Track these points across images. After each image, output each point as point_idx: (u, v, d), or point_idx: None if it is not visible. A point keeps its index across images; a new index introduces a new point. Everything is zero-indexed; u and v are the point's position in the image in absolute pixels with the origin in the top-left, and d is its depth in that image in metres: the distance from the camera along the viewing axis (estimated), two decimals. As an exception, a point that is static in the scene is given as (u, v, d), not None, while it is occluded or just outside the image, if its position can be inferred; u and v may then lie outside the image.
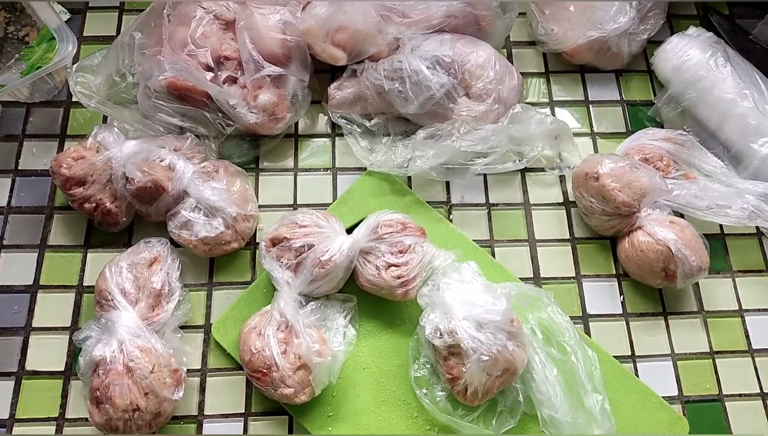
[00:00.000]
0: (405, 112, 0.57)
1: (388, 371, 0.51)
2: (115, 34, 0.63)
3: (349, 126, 0.59)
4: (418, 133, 0.56)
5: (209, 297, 0.54)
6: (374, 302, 0.52)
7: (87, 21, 0.64)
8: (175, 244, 0.53)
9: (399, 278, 0.49)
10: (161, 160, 0.52)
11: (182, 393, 0.47)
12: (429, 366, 0.50)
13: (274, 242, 0.50)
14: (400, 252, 0.50)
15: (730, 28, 0.65)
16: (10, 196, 0.56)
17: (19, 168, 0.57)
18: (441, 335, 0.47)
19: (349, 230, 0.52)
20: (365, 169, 0.58)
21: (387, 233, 0.50)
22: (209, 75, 0.54)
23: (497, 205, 0.58)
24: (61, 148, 0.58)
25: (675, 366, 0.53)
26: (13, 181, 0.57)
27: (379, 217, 0.51)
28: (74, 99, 0.60)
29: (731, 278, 0.57)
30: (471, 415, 0.48)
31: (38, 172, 0.57)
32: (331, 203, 0.57)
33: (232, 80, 0.56)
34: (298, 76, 0.56)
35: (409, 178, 0.59)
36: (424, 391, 0.49)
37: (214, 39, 0.55)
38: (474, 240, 0.56)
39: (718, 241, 0.58)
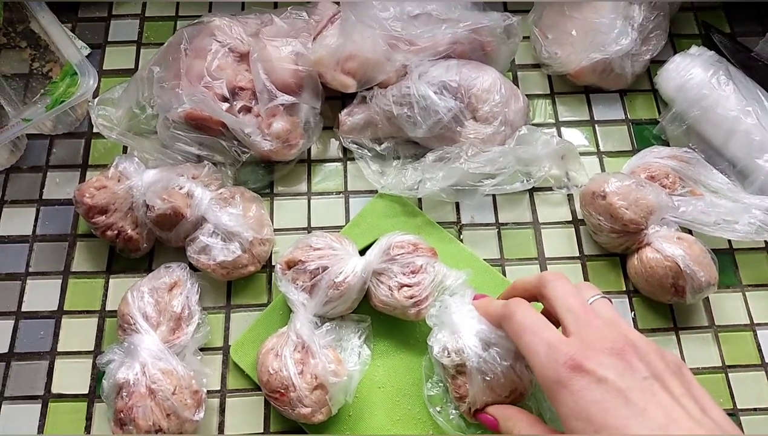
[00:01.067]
0: (414, 136, 0.59)
1: (402, 389, 0.52)
2: (133, 67, 0.66)
3: (360, 150, 0.61)
4: (427, 156, 0.58)
5: (227, 319, 0.55)
6: (387, 321, 0.53)
7: (106, 55, 0.66)
8: (194, 268, 0.54)
9: (411, 297, 0.50)
10: (180, 188, 0.53)
11: (203, 414, 0.48)
12: (442, 385, 0.51)
13: (290, 265, 0.52)
14: (412, 272, 0.51)
15: (732, 47, 0.66)
16: (35, 225, 0.58)
17: (44, 198, 0.60)
18: (449, 354, 0.48)
19: (362, 252, 0.53)
20: (376, 191, 0.60)
21: (399, 254, 0.51)
22: (225, 105, 0.56)
23: (507, 224, 0.59)
24: (83, 178, 0.60)
25: (687, 381, 0.53)
26: (38, 211, 0.59)
27: (391, 238, 0.52)
28: (95, 130, 0.62)
29: (741, 292, 0.57)
30: (484, 433, 0.49)
31: (61, 202, 0.59)
32: (343, 226, 0.59)
33: (247, 109, 0.58)
34: (310, 104, 0.58)
35: (420, 200, 0.60)
36: (438, 409, 0.50)
37: (229, 71, 0.57)
38: (485, 259, 0.57)
39: (727, 256, 0.59)
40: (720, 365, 0.54)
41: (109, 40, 0.67)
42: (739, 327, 0.56)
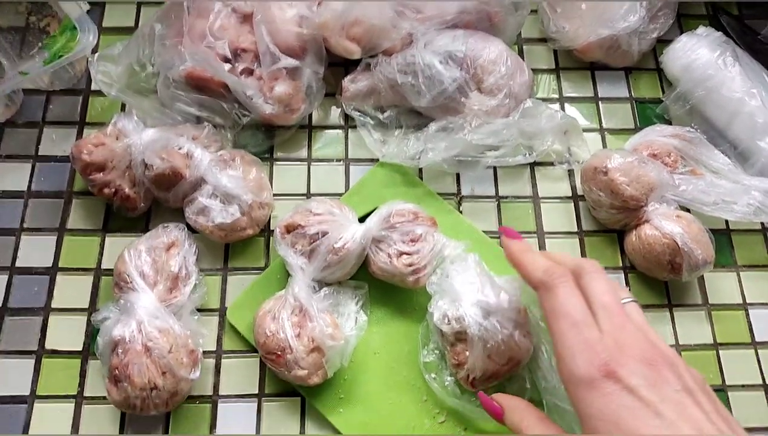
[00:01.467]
0: (417, 105, 0.59)
1: (398, 356, 0.52)
2: (133, 25, 0.64)
3: (362, 118, 0.60)
4: (430, 126, 0.57)
5: (224, 282, 0.55)
6: (385, 289, 0.54)
7: (106, 12, 0.65)
8: (191, 229, 0.54)
9: (410, 265, 0.50)
10: (179, 148, 0.53)
11: (199, 373, 0.48)
12: (438, 352, 0.51)
13: (289, 229, 0.51)
14: (412, 241, 0.51)
15: (739, 29, 0.66)
16: (30, 181, 0.58)
17: (39, 154, 0.59)
18: (449, 321, 0.48)
19: (362, 220, 0.53)
20: (377, 160, 0.59)
21: (399, 222, 0.51)
22: (227, 66, 0.55)
23: (507, 197, 0.59)
24: (80, 136, 0.60)
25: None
26: (33, 167, 0.58)
27: (392, 206, 0.52)
28: (93, 87, 0.62)
29: (736, 272, 0.58)
30: (478, 399, 0.50)
31: (58, 158, 0.59)
32: (343, 193, 0.58)
33: (249, 72, 0.57)
34: (313, 69, 0.58)
35: (420, 170, 0.60)
36: (433, 376, 0.50)
37: (232, 31, 0.56)
38: (484, 231, 0.57)
39: (723, 236, 0.59)
40: (711, 342, 0.55)
41: (109, -4, 0.66)
42: (732, 306, 0.56)
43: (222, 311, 0.54)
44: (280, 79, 0.56)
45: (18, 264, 0.55)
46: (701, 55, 0.61)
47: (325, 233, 0.50)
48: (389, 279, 0.52)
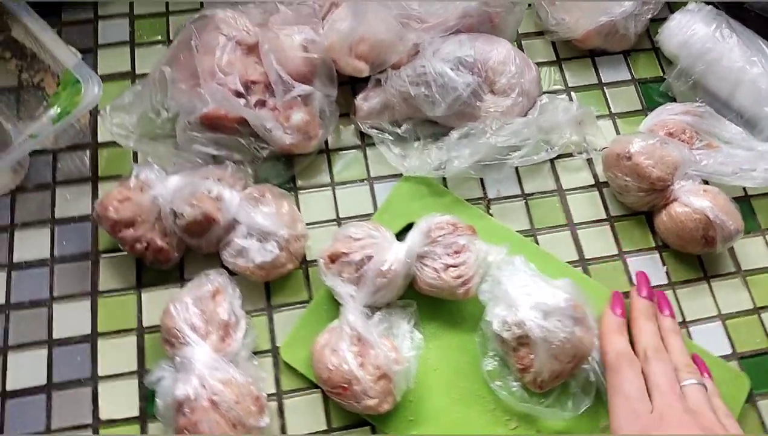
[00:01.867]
0: (432, 115, 0.58)
1: (457, 369, 0.52)
2: (130, 69, 0.62)
3: (380, 135, 0.60)
4: (451, 134, 0.58)
5: (270, 321, 0.54)
6: (432, 303, 0.53)
7: (99, 59, 0.63)
8: (230, 273, 0.53)
9: (459, 277, 0.50)
10: (209, 192, 0.52)
11: (268, 419, 0.48)
12: (498, 359, 0.52)
13: (333, 259, 0.51)
14: (456, 252, 0.51)
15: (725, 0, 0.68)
16: (52, 247, 0.55)
17: (56, 217, 0.57)
18: (509, 327, 0.48)
19: (397, 237, 0.53)
20: (400, 175, 0.59)
21: (440, 236, 0.51)
22: (242, 101, 0.54)
23: (532, 194, 0.60)
24: (95, 191, 0.58)
25: (724, 326, 0.56)
26: (53, 231, 0.56)
27: (430, 221, 0.52)
28: (101, 140, 0.60)
29: (762, 236, 0.60)
30: (546, 400, 0.50)
31: (76, 219, 0.57)
32: (372, 213, 0.58)
33: (262, 104, 0.56)
34: (324, 92, 0.57)
35: (444, 178, 0.60)
36: (498, 383, 0.50)
37: (239, 65, 0.55)
38: (518, 231, 0.57)
39: (744, 203, 0.61)
40: (752, 307, 0.57)
41: (99, 43, 0.63)
42: (765, 269, 0.58)
43: (274, 351, 0.53)
44: (295, 107, 0.55)
45: (55, 335, 0.53)
46: (697, 30, 0.62)
47: (370, 257, 0.50)
48: (438, 294, 0.52)
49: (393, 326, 0.51)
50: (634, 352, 0.49)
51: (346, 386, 0.47)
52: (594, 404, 0.49)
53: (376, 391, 0.47)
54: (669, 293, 0.56)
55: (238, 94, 0.54)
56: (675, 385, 0.46)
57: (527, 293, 0.48)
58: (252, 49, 0.56)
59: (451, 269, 0.51)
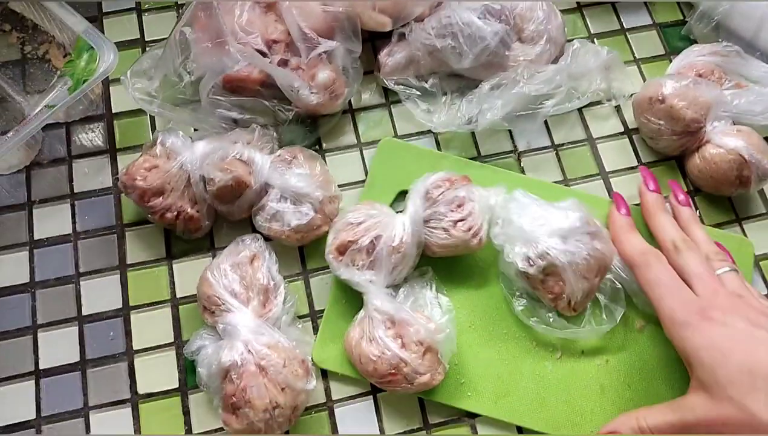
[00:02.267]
0: (459, 67, 0.57)
1: (491, 318, 0.52)
2: (139, 36, 0.60)
3: (406, 91, 0.58)
4: (481, 86, 0.56)
5: (307, 285, 0.53)
6: (443, 263, 0.52)
7: (105, 28, 0.60)
8: (264, 238, 0.51)
9: (470, 229, 0.49)
10: (240, 156, 0.50)
11: (315, 382, 0.47)
12: (527, 296, 0.51)
13: (341, 250, 0.49)
14: (459, 206, 0.50)
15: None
16: (74, 222, 0.53)
17: (75, 191, 0.54)
18: (533, 262, 0.48)
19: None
20: (428, 132, 0.58)
21: (440, 194, 0.49)
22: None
23: (563, 145, 0.59)
24: (114, 163, 0.55)
25: (759, 268, 0.55)
26: (73, 206, 0.54)
27: (425, 182, 0.50)
28: (114, 110, 0.57)
29: (792, 175, 0.59)
30: (582, 320, 0.51)
31: (97, 192, 0.54)
32: (401, 172, 0.56)
33: (284, 63, 0.54)
34: (349, 48, 0.55)
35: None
36: (534, 320, 0.50)
37: (259, 24, 0.53)
38: (553, 182, 0.57)
39: (771, 142, 0.60)
40: (787, 246, 0.57)
41: (104, 11, 0.60)
42: (798, 208, 0.58)
43: (313, 315, 0.52)
44: (320, 65, 0.53)
45: (85, 312, 0.51)
46: (719, -31, 0.61)
47: (379, 237, 0.48)
48: (452, 252, 0.50)
49: (418, 298, 0.50)
50: (658, 247, 0.49)
51: (394, 371, 0.46)
52: (627, 309, 0.51)
53: (426, 366, 0.46)
54: (706, 235, 0.56)
55: (261, 54, 0.52)
56: (713, 272, 0.46)
57: (540, 223, 0.48)
58: (271, 7, 0.54)
59: (459, 223, 0.49)
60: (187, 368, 0.50)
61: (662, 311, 0.45)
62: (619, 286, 0.51)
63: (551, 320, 0.50)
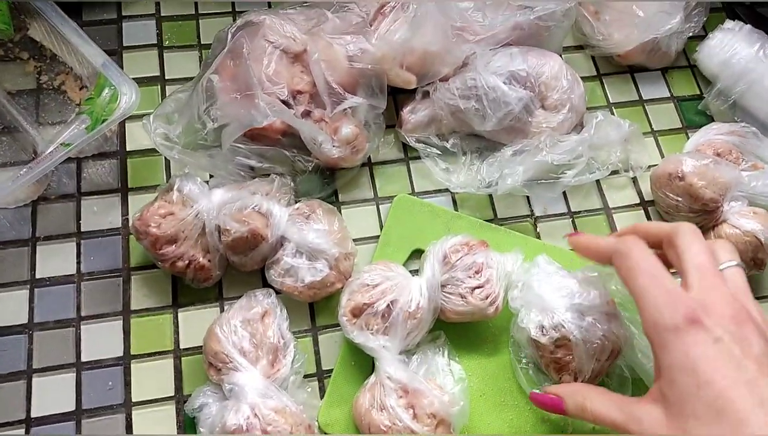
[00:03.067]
0: (481, 129, 0.57)
1: (502, 388, 0.51)
2: (159, 74, 0.59)
3: (426, 149, 0.58)
4: (504, 150, 0.56)
5: (315, 343, 0.51)
6: (456, 328, 0.51)
7: (124, 62, 0.59)
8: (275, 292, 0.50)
9: (487, 297, 0.48)
10: (258, 208, 0.49)
11: (321, 449, 0.45)
12: (532, 365, 0.50)
13: (356, 313, 0.47)
14: (476, 272, 0.49)
15: (755, 18, 0.68)
16: (78, 262, 0.52)
17: (82, 230, 0.53)
18: (546, 331, 0.47)
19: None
20: (446, 190, 0.57)
21: (458, 259, 0.49)
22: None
23: (579, 212, 0.59)
24: (124, 202, 0.54)
25: (771, 349, 0.55)
26: (79, 245, 0.52)
27: (443, 246, 0.49)
28: (129, 148, 0.56)
29: (803, 257, 0.60)
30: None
31: (104, 233, 0.53)
32: (416, 230, 0.56)
33: (307, 114, 0.53)
34: (373, 104, 0.54)
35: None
36: (536, 391, 0.49)
37: (286, 74, 0.53)
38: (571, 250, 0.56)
39: (784, 224, 0.61)
40: (797, 330, 0.56)
41: (125, 45, 0.60)
42: (810, 292, 0.58)
43: (320, 375, 0.50)
44: (344, 119, 0.53)
45: (84, 358, 0.49)
46: (739, 49, 0.62)
47: (395, 302, 0.47)
48: (468, 319, 0.49)
49: (431, 365, 0.49)
50: (650, 244, 0.41)
51: None
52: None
53: None
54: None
55: (286, 105, 0.52)
56: (716, 266, 0.39)
57: (561, 294, 0.47)
58: (297, 58, 0.54)
59: (477, 290, 0.48)
60: (187, 425, 0.48)
61: (645, 308, 0.38)
62: (627, 374, 0.49)
63: None
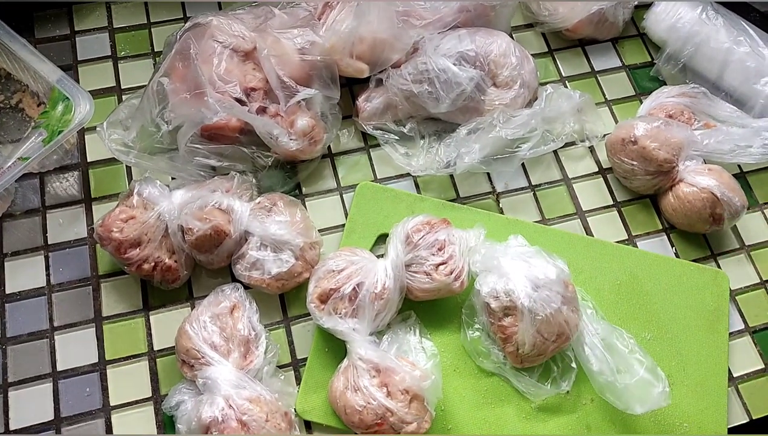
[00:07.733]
0: (436, 111, 0.58)
1: (474, 361, 0.51)
2: (115, 84, 0.60)
3: (384, 135, 0.58)
4: (459, 130, 0.57)
5: (289, 333, 0.52)
6: (425, 306, 0.52)
7: (80, 76, 0.60)
8: (244, 287, 0.51)
9: (451, 272, 0.49)
10: (218, 205, 0.49)
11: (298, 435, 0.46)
12: (482, 331, 0.51)
13: (323, 299, 0.48)
14: (439, 249, 0.50)
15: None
16: (48, 275, 0.52)
17: (49, 242, 0.53)
18: (497, 295, 0.48)
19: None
20: (408, 175, 0.58)
21: (420, 238, 0.50)
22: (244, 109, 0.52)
23: (540, 185, 0.60)
24: (89, 213, 0.54)
25: (735, 302, 0.56)
26: (47, 258, 0.53)
27: (405, 226, 0.50)
28: (90, 159, 0.56)
29: (760, 210, 0.61)
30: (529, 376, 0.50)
31: (71, 243, 0.53)
32: (381, 215, 0.57)
33: (262, 110, 0.54)
34: (327, 95, 0.55)
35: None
36: (481, 359, 0.51)
37: (237, 72, 0.53)
38: (534, 222, 0.57)
39: (740, 179, 0.62)
40: (759, 281, 0.58)
41: (79, 59, 0.60)
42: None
43: (295, 364, 0.51)
44: (299, 112, 0.54)
45: (60, 367, 0.49)
46: (683, 14, 0.64)
47: (361, 284, 0.48)
48: (434, 296, 0.50)
49: (402, 344, 0.50)
50: None
51: (380, 421, 0.45)
52: (571, 391, 0.50)
53: (412, 415, 0.45)
54: (682, 273, 0.57)
55: (239, 102, 0.52)
56: None
57: (521, 264, 0.48)
58: (248, 56, 0.54)
59: (441, 266, 0.49)
60: (166, 424, 0.48)
61: None
62: (574, 366, 0.50)
63: (499, 360, 0.50)
